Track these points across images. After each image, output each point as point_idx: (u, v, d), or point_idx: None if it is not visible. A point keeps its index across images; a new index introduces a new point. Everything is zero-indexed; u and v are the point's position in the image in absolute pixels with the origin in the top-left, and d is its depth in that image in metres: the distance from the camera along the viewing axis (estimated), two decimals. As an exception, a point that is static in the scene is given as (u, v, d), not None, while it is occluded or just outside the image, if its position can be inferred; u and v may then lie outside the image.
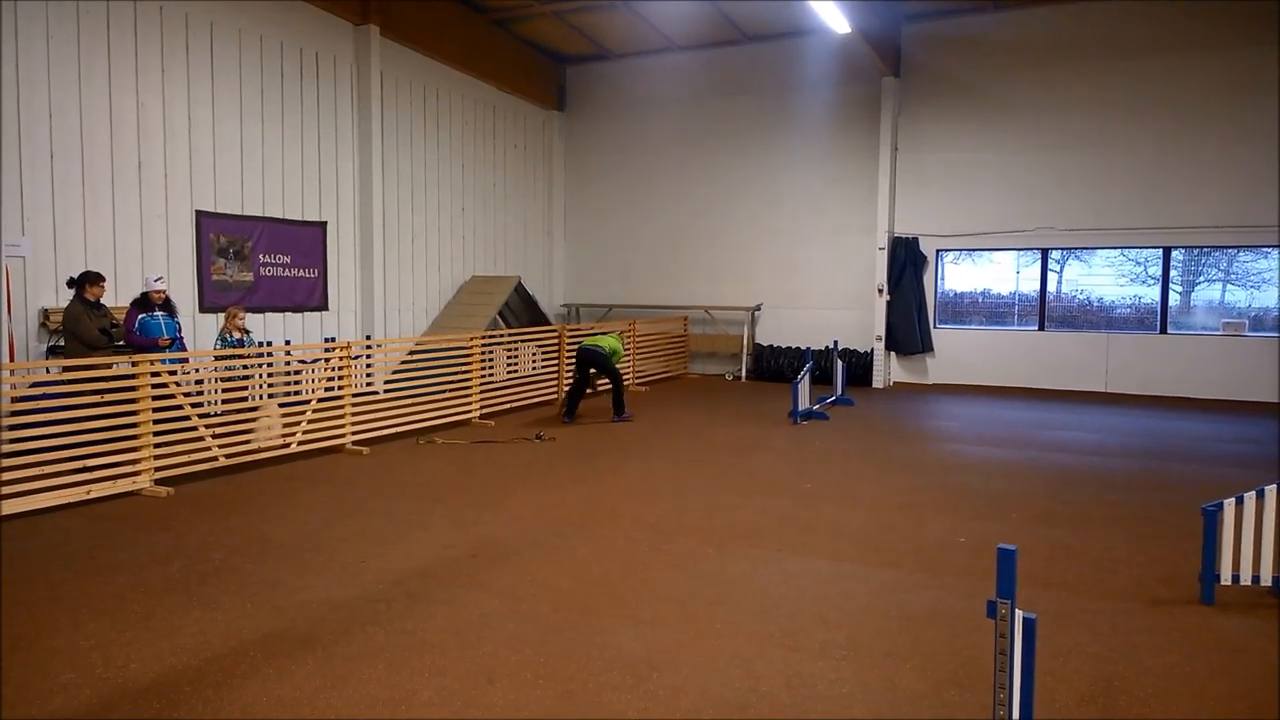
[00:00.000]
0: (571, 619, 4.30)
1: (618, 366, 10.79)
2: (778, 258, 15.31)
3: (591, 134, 16.88)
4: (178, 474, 7.05)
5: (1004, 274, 14.17)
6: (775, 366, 14.78)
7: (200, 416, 7.36)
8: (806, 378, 10.71)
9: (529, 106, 16.26)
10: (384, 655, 3.85)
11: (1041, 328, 13.68)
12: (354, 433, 8.71)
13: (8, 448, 6.03)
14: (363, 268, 12.47)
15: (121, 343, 7.96)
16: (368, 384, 9.81)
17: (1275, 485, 4.43)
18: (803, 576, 4.98)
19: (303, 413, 8.28)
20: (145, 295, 8.08)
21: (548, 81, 16.53)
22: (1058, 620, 4.30)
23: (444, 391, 9.93)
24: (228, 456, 7.49)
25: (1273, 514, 4.43)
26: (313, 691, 3.51)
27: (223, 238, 10.53)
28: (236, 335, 8.80)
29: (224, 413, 7.97)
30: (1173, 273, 13.00)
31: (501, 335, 11.93)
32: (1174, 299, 13.03)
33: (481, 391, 10.47)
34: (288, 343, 11.06)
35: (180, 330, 8.38)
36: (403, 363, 10.71)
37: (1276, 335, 12.16)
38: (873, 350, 14.24)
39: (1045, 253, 13.63)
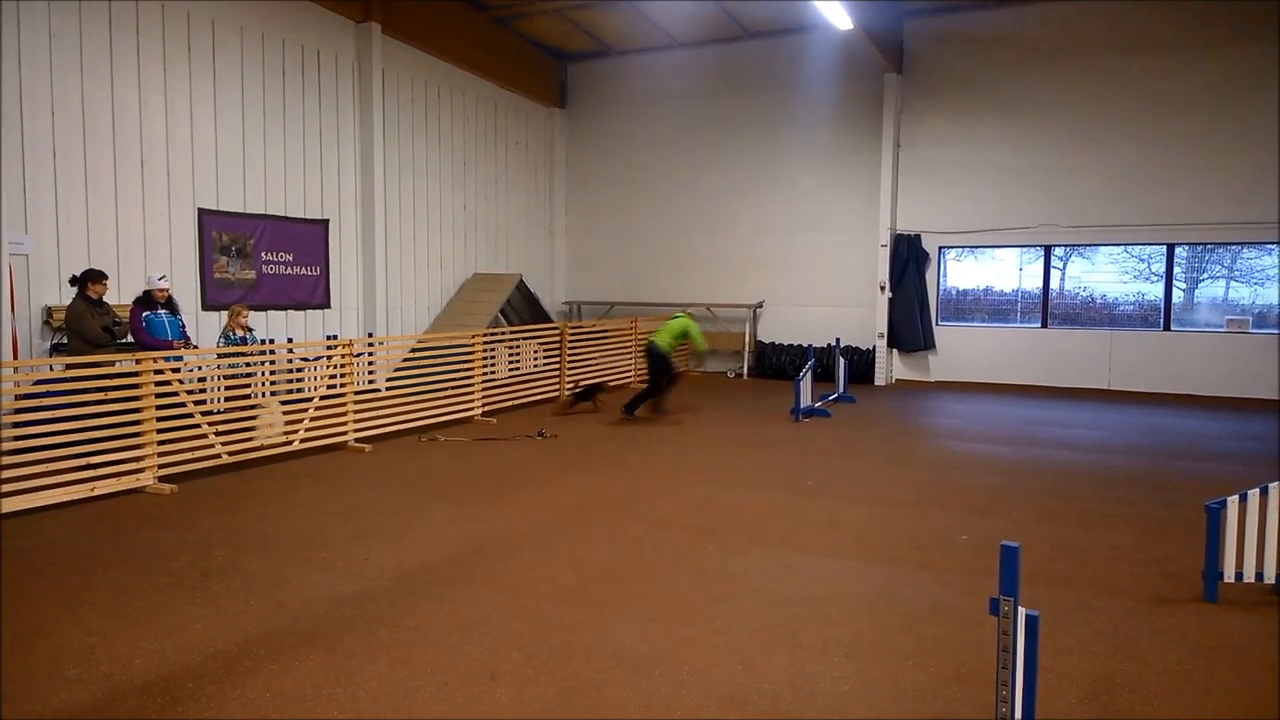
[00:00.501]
0: (574, 615, 4.30)
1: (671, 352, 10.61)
2: (780, 255, 15.30)
3: (593, 131, 16.87)
4: (181, 471, 7.06)
5: (1007, 271, 14.14)
6: (777, 364, 14.77)
7: (204, 414, 7.38)
8: (808, 375, 10.70)
9: (530, 104, 16.25)
10: (387, 652, 3.86)
11: (1044, 325, 13.66)
12: (356, 430, 8.72)
13: (11, 445, 6.04)
14: (365, 265, 12.47)
15: (125, 340, 7.98)
16: (370, 382, 9.82)
17: (1278, 483, 4.42)
18: (805, 573, 4.98)
19: (305, 410, 8.29)
20: (148, 293, 8.10)
21: (549, 78, 16.52)
22: (1060, 617, 4.29)
23: (446, 389, 9.94)
24: (231, 454, 7.50)
25: (1276, 512, 4.42)
26: (315, 688, 3.52)
27: (225, 235, 10.54)
28: (240, 333, 8.81)
29: (227, 410, 7.98)
30: (1176, 269, 12.97)
31: (503, 333, 11.93)
32: (1177, 296, 13.00)
33: (484, 389, 10.47)
34: (290, 341, 11.07)
35: (184, 328, 8.41)
36: (405, 360, 10.71)
37: (1278, 332, 12.14)
38: (875, 347, 14.22)
39: (1048, 249, 13.61)
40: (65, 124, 8.80)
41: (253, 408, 8.08)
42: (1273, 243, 12.17)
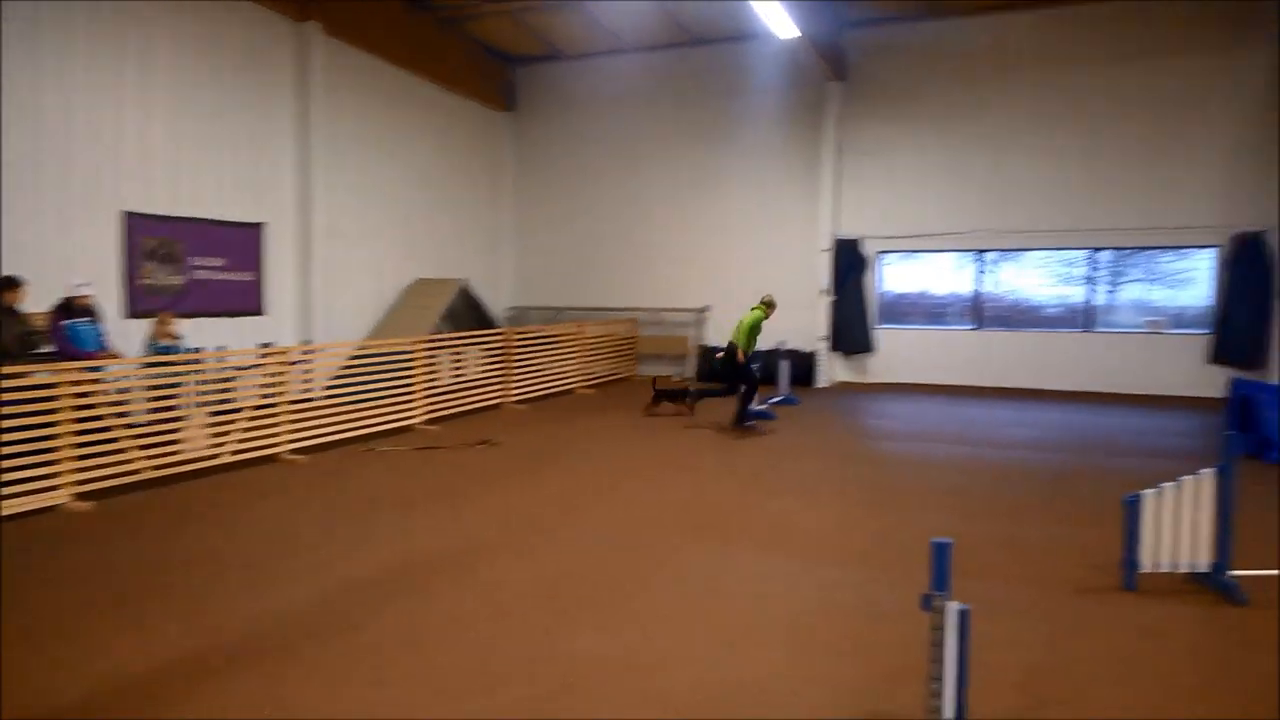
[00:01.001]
0: (519, 624, 4.26)
1: (747, 351, 9.90)
2: (726, 259, 15.44)
3: (542, 135, 16.81)
4: (101, 488, 6.77)
5: (942, 274, 14.49)
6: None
7: (126, 427, 7.10)
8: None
9: (478, 107, 16.12)
10: (322, 671, 3.76)
11: (978, 327, 14.04)
12: (291, 441, 8.51)
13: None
14: (301, 271, 12.21)
15: (43, 350, 7.65)
16: (306, 390, 9.59)
17: (1192, 476, 4.61)
18: (751, 574, 5.02)
19: (235, 422, 8.05)
20: (69, 301, 7.78)
21: (497, 82, 16.43)
22: (992, 610, 4.40)
23: (386, 397, 9.76)
24: (155, 469, 7.23)
25: (1190, 503, 4.62)
26: (253, 710, 3.41)
27: (152, 240, 10.20)
28: (166, 342, 8.53)
29: (151, 423, 7.69)
30: (1099, 273, 13.46)
31: (446, 339, 11.79)
32: (1100, 298, 13.49)
33: (426, 397, 10.33)
34: (221, 349, 10.74)
35: (103, 337, 8.07)
36: (343, 368, 10.50)
37: (1197, 332, 12.67)
38: (817, 350, 14.44)
39: (981, 254, 13.99)
40: (-22, 124, 8.42)
41: (178, 419, 7.81)
42: (1189, 246, 12.73)
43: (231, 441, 7.93)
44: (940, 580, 2.95)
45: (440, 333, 12.94)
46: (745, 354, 9.95)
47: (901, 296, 14.74)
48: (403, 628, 4.20)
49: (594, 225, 16.44)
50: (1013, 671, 3.76)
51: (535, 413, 11.31)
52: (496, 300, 16.76)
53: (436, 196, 15.24)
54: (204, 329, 10.83)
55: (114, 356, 8.00)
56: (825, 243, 14.29)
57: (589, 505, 6.61)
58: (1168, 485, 4.64)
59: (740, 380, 10.09)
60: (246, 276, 11.47)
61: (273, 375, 8.57)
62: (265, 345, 11.21)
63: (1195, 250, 12.80)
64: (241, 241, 11.38)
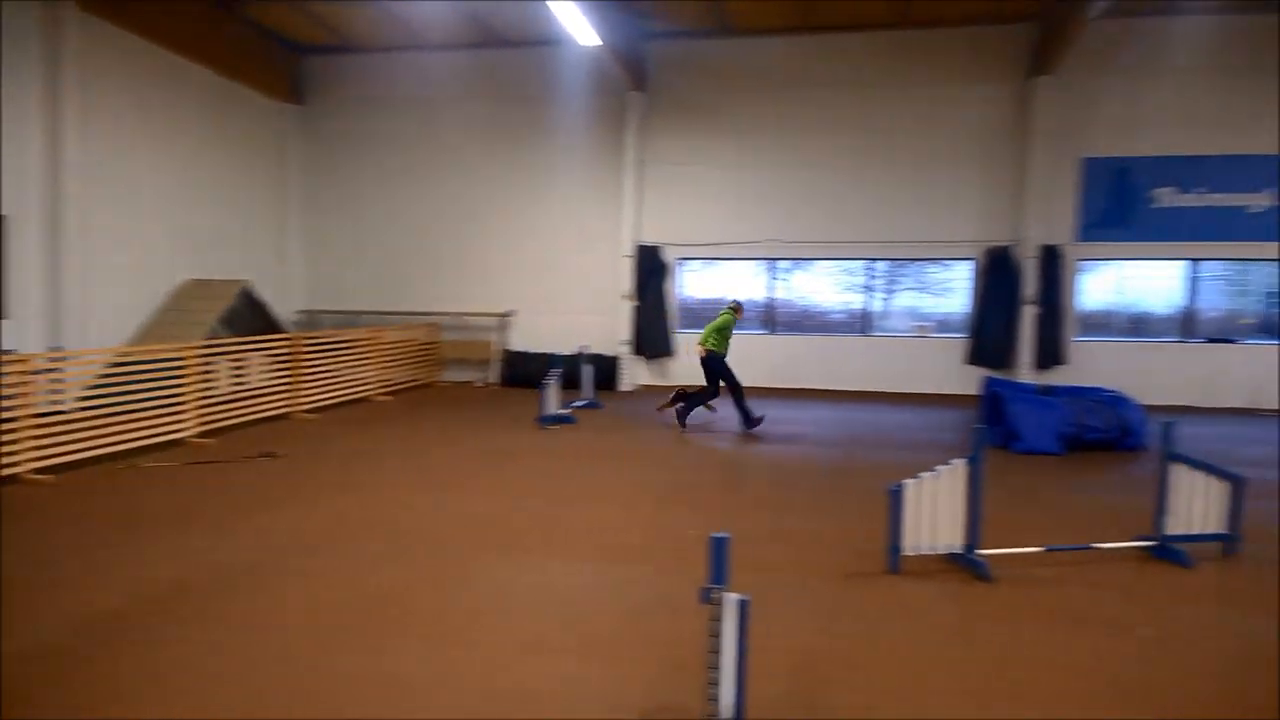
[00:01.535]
0: (299, 646, 3.96)
1: (725, 353, 10.38)
2: (530, 263, 15.35)
3: (335, 130, 15.95)
4: None
5: (740, 282, 15.17)
6: (526, 372, 14.76)
7: None
8: (554, 382, 10.81)
9: (261, 98, 15.05)
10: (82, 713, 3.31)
11: (771, 331, 14.84)
12: (35, 459, 7.52)
13: None
14: (51, 270, 10.84)
15: None
16: (54, 402, 8.51)
17: (947, 466, 5.08)
18: (545, 578, 4.97)
19: (-37, 438, 7.01)
20: None
21: (282, 72, 15.41)
22: (770, 600, 4.62)
23: (152, 408, 8.85)
24: None
25: (946, 490, 5.08)
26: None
27: None
28: None
29: None
30: (876, 281, 14.66)
31: (224, 344, 10.88)
32: (877, 305, 14.69)
33: (200, 407, 9.48)
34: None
35: None
36: (101, 377, 9.42)
37: (957, 336, 14.09)
38: (620, 355, 14.68)
39: (773, 262, 14.81)
40: None
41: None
42: (950, 258, 14.13)
43: (-45, 463, 6.88)
44: (719, 574, 3.05)
45: (218, 337, 11.94)
46: (707, 351, 10.37)
47: (703, 302, 15.30)
48: (144, 661, 3.79)
49: (394, 226, 15.83)
50: (789, 655, 3.96)
51: (326, 423, 10.70)
52: (285, 304, 15.74)
53: (215, 193, 14.06)
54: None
55: None
56: (628, 249, 14.57)
57: (376, 519, 6.30)
58: (926, 475, 5.08)
59: (720, 379, 10.42)
60: (-20, 274, 10.03)
61: (12, 386, 7.53)
62: (4, 353, 9.87)
63: (956, 262, 14.22)
64: (-27, 234, 9.94)
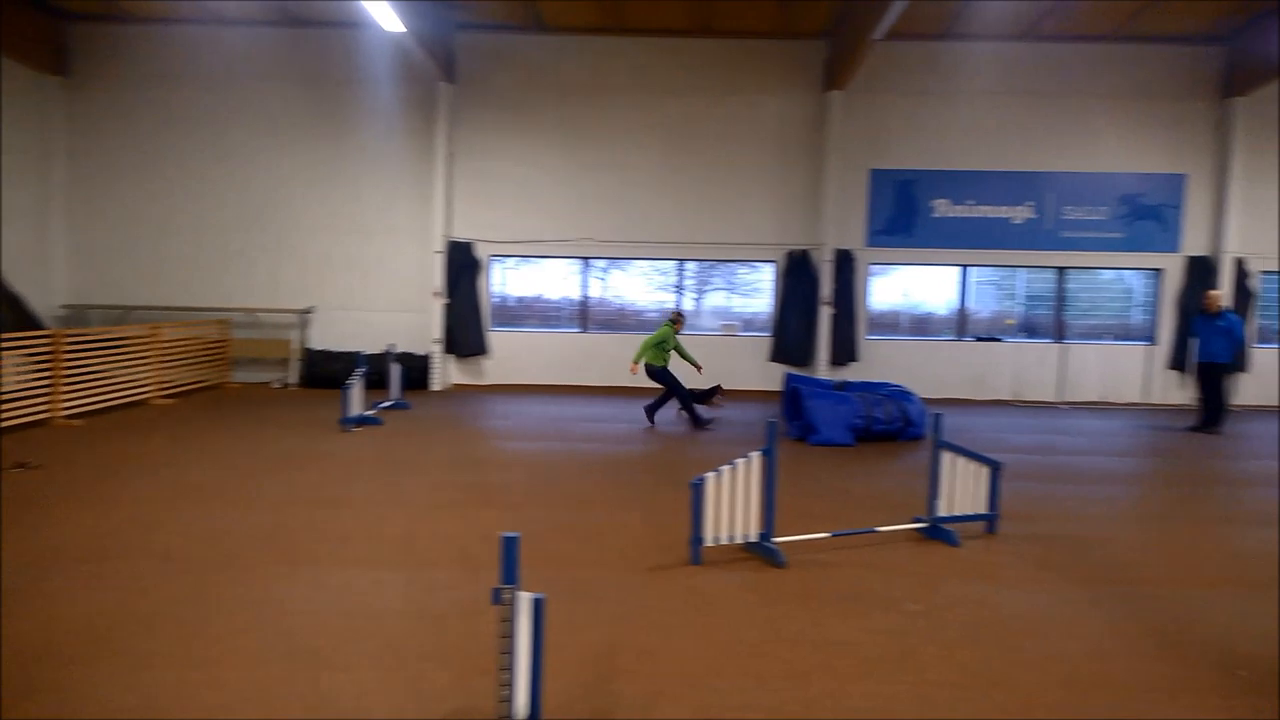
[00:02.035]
0: (54, 675, 3.47)
1: (665, 364, 11.05)
2: (334, 258, 14.54)
3: (109, 108, 14.35)
4: None
5: (556, 279, 15.14)
6: (329, 372, 13.98)
7: None
8: (359, 382, 10.29)
9: (17, 67, 13.28)
10: None
11: (584, 330, 14.90)
12: None
13: None
14: None
15: None
16: None
17: (743, 459, 5.26)
18: (340, 588, 4.68)
19: None
20: None
21: (43, 40, 13.68)
22: (572, 596, 4.60)
23: None
24: None
25: (742, 483, 5.26)
26: None
27: None
28: None
29: None
30: (688, 281, 15.08)
31: (-36, 342, 9.50)
32: (689, 304, 15.12)
33: (-71, 413, 8.22)
34: None
35: None
36: None
37: (763, 335, 14.76)
38: (430, 353, 14.23)
39: (587, 261, 14.87)
40: None
41: None
42: (755, 260, 14.79)
43: None
44: (510, 573, 2.97)
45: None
46: (640, 364, 11.07)
47: (520, 300, 15.13)
48: None
49: (178, 214, 14.47)
50: (588, 648, 3.94)
51: (94, 429, 9.62)
52: (46, 298, 14.03)
53: (-45, 168, 12.30)
54: None
55: None
56: (438, 244, 14.15)
57: (145, 535, 5.70)
58: (725, 468, 5.24)
59: (667, 385, 11.04)
60: None
61: None
62: None
63: (760, 264, 14.89)
64: None
